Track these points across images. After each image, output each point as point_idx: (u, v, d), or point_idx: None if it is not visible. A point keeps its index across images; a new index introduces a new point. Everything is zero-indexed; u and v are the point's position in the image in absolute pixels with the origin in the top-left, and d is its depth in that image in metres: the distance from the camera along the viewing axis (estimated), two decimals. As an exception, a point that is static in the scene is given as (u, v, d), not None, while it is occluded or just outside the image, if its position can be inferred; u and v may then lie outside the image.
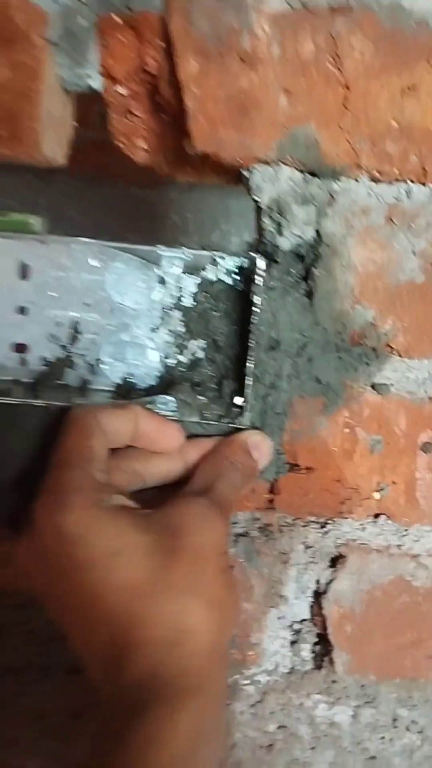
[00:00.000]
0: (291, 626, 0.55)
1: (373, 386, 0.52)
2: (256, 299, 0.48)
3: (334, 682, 0.54)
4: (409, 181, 0.48)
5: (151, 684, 0.37)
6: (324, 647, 0.54)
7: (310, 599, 0.54)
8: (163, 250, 0.50)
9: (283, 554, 0.53)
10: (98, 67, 0.50)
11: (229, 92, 0.46)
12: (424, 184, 0.48)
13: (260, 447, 0.50)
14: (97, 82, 0.50)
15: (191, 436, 0.51)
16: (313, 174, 0.48)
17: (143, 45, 0.48)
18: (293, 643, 0.55)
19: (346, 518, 0.53)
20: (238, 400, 0.50)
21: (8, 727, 0.55)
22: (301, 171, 0.48)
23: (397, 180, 0.48)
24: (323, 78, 0.45)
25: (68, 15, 0.48)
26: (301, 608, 0.54)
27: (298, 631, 0.54)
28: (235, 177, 0.52)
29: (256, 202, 0.49)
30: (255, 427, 0.51)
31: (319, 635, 0.54)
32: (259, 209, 0.50)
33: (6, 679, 0.54)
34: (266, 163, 0.48)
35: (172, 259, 0.51)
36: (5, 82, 0.48)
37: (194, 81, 0.46)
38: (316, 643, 0.54)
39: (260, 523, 0.54)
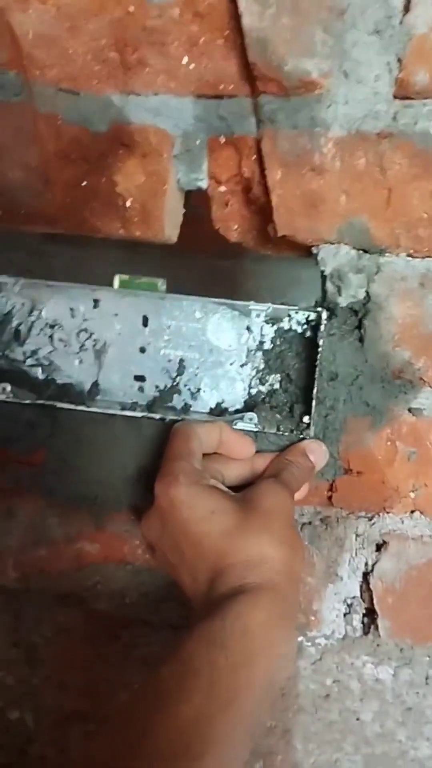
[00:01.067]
0: (345, 601, 0.68)
1: (409, 410, 0.66)
2: (321, 342, 0.64)
3: (378, 646, 0.67)
4: (436, 257, 0.63)
5: (240, 588, 0.53)
6: (370, 618, 0.67)
7: (360, 579, 0.68)
8: (253, 306, 0.67)
9: (339, 540, 0.67)
10: (207, 173, 0.67)
11: (303, 192, 0.62)
12: (448, 259, 0.63)
13: (316, 452, 0.65)
14: (204, 183, 0.67)
15: (260, 451, 0.67)
16: (364, 251, 0.63)
17: (241, 158, 0.65)
18: (346, 614, 0.68)
19: (388, 513, 0.67)
20: (306, 419, 0.65)
21: (124, 673, 0.71)
22: (356, 249, 0.63)
23: (427, 256, 0.62)
24: (372, 183, 0.60)
25: (187, 137, 0.65)
26: (353, 586, 0.68)
27: (350, 605, 0.68)
28: (306, 251, 0.69)
29: (321, 271, 0.65)
30: (317, 439, 0.67)
31: (366, 609, 0.68)
32: (324, 276, 0.65)
33: (123, 632, 0.70)
34: (330, 243, 0.63)
35: (259, 312, 0.68)
36: (141, 184, 0.66)
37: (278, 184, 0.62)
38: (364, 615, 0.68)
39: (321, 515, 0.69)
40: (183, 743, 0.44)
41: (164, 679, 0.47)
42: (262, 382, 0.70)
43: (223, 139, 0.65)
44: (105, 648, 0.71)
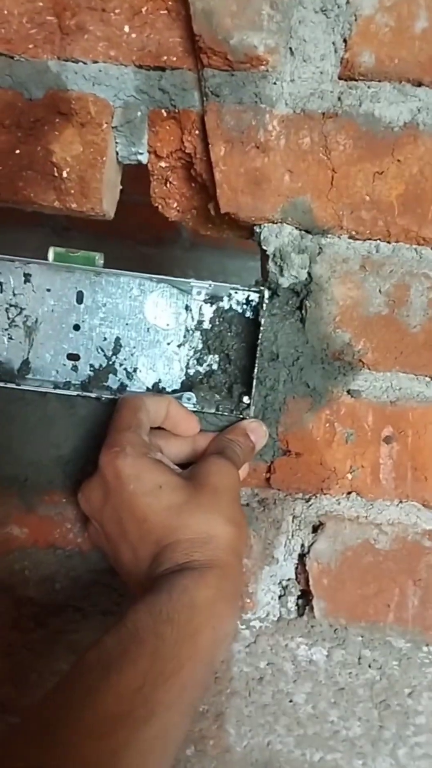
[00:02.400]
0: (280, 583, 0.68)
1: (348, 391, 0.66)
2: (263, 321, 0.63)
3: (312, 627, 0.67)
4: (377, 240, 0.63)
5: (186, 565, 0.52)
6: (305, 599, 0.68)
7: (296, 561, 0.68)
8: (194, 283, 0.66)
9: (276, 522, 0.67)
10: (147, 147, 0.65)
11: (247, 170, 0.61)
12: (388, 242, 0.64)
13: (256, 431, 0.65)
14: (144, 158, 0.66)
15: (201, 431, 0.66)
16: (307, 231, 0.63)
17: (183, 132, 0.63)
18: (281, 596, 0.68)
19: (326, 494, 0.67)
20: (245, 399, 0.65)
21: (51, 661, 0.68)
22: (298, 229, 0.63)
23: (368, 238, 0.63)
24: (316, 163, 0.61)
25: (128, 108, 0.63)
26: (289, 569, 0.68)
27: (285, 587, 0.68)
28: (247, 231, 0.68)
29: (263, 250, 0.65)
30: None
31: (301, 590, 0.68)
32: (266, 256, 0.65)
33: (52, 619, 0.67)
34: (273, 222, 0.63)
35: (200, 289, 0.66)
36: (79, 154, 0.64)
37: (222, 160, 0.61)
38: (299, 597, 0.68)
39: (259, 497, 0.68)
40: (127, 708, 0.43)
41: (108, 648, 0.47)
42: (200, 362, 0.69)
43: (165, 113, 0.63)
44: (32, 635, 0.68)
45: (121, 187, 0.71)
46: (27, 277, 0.68)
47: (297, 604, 0.68)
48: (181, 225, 0.73)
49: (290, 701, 0.69)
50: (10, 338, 0.68)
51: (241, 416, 0.65)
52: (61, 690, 0.45)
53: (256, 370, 0.64)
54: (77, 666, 0.46)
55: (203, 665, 0.49)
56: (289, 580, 0.68)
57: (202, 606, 0.50)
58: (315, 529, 0.67)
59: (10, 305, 0.68)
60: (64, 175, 0.64)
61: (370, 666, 0.68)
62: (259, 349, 0.64)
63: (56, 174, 0.64)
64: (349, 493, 0.67)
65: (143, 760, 0.43)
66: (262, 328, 0.63)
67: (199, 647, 0.48)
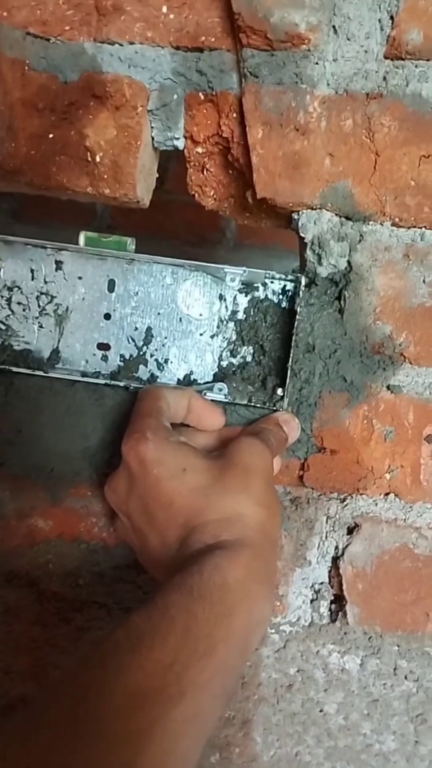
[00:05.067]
0: (312, 586, 0.65)
1: (388, 387, 0.63)
2: (299, 311, 0.61)
3: (345, 634, 0.64)
4: (422, 227, 0.61)
5: (216, 545, 0.50)
6: (338, 605, 0.64)
7: (329, 564, 0.65)
8: (228, 269, 0.63)
9: (308, 522, 0.64)
10: (183, 131, 0.63)
11: (285, 153, 0.59)
12: (433, 230, 0.61)
13: (289, 423, 0.62)
14: (181, 143, 0.64)
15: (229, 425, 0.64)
16: (347, 218, 0.61)
17: (220, 116, 0.62)
18: (313, 600, 0.65)
19: (362, 494, 0.64)
20: (279, 391, 0.62)
21: (74, 657, 0.66)
22: (338, 215, 0.61)
23: (413, 226, 0.60)
24: (359, 146, 0.59)
25: (164, 91, 0.62)
26: (322, 572, 0.65)
27: (318, 591, 0.65)
28: (285, 221, 0.66)
29: (301, 238, 0.62)
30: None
31: (334, 595, 0.65)
32: (303, 244, 0.63)
33: (75, 614, 0.65)
34: (311, 208, 0.61)
35: (234, 276, 0.64)
36: (113, 138, 0.62)
37: (260, 143, 0.59)
38: (332, 602, 0.65)
39: (291, 495, 0.65)
40: (158, 685, 0.41)
41: (137, 625, 0.44)
42: (233, 353, 0.66)
43: (202, 96, 0.62)
44: (55, 631, 0.66)
45: (157, 174, 0.69)
46: (59, 265, 0.67)
47: (329, 609, 0.65)
48: (225, 225, 0.71)
49: (320, 711, 0.65)
50: (41, 326, 0.67)
51: (274, 408, 0.62)
52: (89, 666, 0.43)
53: (290, 362, 0.61)
54: (104, 643, 0.44)
55: (237, 649, 0.46)
56: (321, 583, 0.65)
57: (234, 586, 0.47)
58: (350, 531, 0.64)
59: (41, 293, 0.67)
60: (98, 159, 0.63)
61: (406, 677, 0.64)
62: (294, 340, 0.61)
63: (89, 159, 0.63)
64: (386, 494, 0.64)
65: (174, 741, 0.41)
66: (298, 318, 0.61)
67: (233, 629, 0.46)
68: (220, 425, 0.62)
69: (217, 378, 0.66)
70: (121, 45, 0.60)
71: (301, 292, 0.61)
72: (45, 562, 0.64)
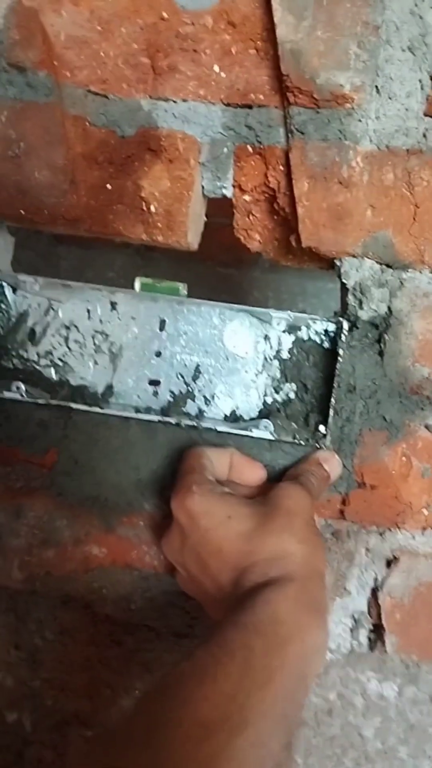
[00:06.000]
0: (352, 615, 0.68)
1: (426, 426, 0.66)
2: (341, 352, 0.64)
3: (383, 662, 0.67)
4: (460, 274, 0.64)
5: (264, 582, 0.53)
6: (377, 634, 0.67)
7: (368, 595, 0.68)
8: (274, 313, 0.67)
9: (349, 554, 0.67)
10: (232, 181, 0.67)
11: (330, 205, 0.62)
12: (471, 277, 0.64)
13: (330, 461, 0.65)
14: (229, 192, 0.68)
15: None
16: (388, 265, 0.63)
17: (267, 168, 0.65)
18: (352, 629, 0.68)
19: (400, 528, 0.67)
20: (321, 428, 0.65)
21: (125, 678, 0.70)
22: (379, 263, 0.63)
23: (450, 273, 0.64)
24: (399, 198, 0.61)
25: (215, 144, 0.65)
26: (361, 602, 0.68)
27: (357, 620, 0.68)
28: (327, 263, 0.69)
29: (343, 284, 0.65)
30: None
31: (373, 625, 0.68)
32: (345, 289, 0.66)
33: (127, 637, 0.69)
34: (353, 256, 0.63)
35: (279, 319, 0.68)
36: (166, 189, 0.66)
37: (305, 196, 0.62)
38: (371, 631, 0.68)
39: (332, 528, 0.68)
40: (222, 715, 0.45)
41: (201, 658, 0.48)
42: (277, 390, 0.70)
43: (250, 149, 0.65)
44: (108, 652, 0.70)
45: (205, 219, 0.73)
46: (113, 305, 0.71)
47: (369, 638, 0.68)
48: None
49: (359, 735, 0.68)
50: (96, 363, 0.71)
51: (317, 446, 0.66)
52: (158, 698, 0.47)
53: (332, 401, 0.64)
54: (172, 676, 0.48)
55: (294, 677, 0.50)
56: (361, 613, 0.68)
57: (285, 618, 0.51)
58: (389, 564, 0.66)
59: (97, 332, 0.71)
60: (152, 209, 0.66)
61: (442, 705, 0.66)
62: (336, 380, 0.64)
63: (144, 208, 0.67)
64: (424, 528, 0.67)
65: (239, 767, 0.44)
66: (340, 360, 0.64)
67: (288, 659, 0.49)
68: (261, 480, 0.66)
69: (261, 414, 0.69)
70: (175, 102, 0.64)
71: (343, 335, 0.64)
72: (99, 587, 0.68)
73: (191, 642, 0.68)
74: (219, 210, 0.72)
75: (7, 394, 0.68)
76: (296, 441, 0.66)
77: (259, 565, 0.55)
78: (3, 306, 0.72)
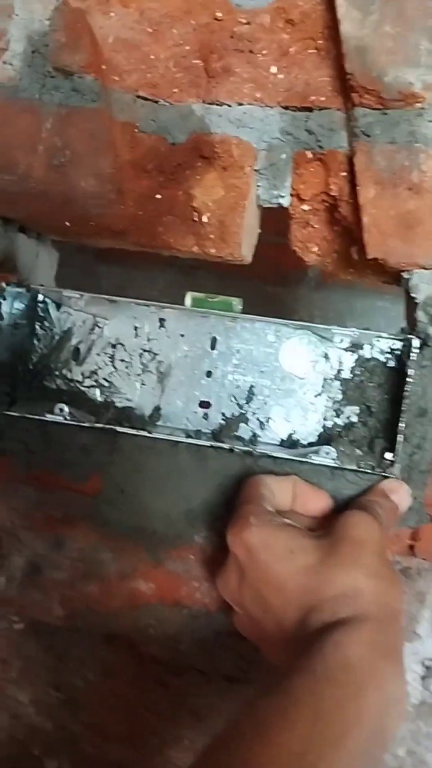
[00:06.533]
0: (423, 662, 0.62)
1: None
2: (411, 372, 0.59)
3: (459, 715, 0.61)
4: None
5: (334, 622, 0.47)
6: (451, 683, 0.61)
7: (441, 639, 0.62)
8: (336, 330, 0.62)
9: (419, 595, 0.61)
10: (290, 190, 0.63)
11: (398, 213, 0.57)
12: None
13: (397, 491, 0.59)
14: (287, 201, 0.64)
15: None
16: (462, 279, 0.59)
17: (329, 174, 0.61)
18: (423, 677, 0.62)
19: None
20: (388, 455, 0.59)
21: (172, 724, 0.65)
22: (453, 275, 0.59)
23: None
24: None
25: (272, 150, 0.61)
26: (432, 647, 0.62)
27: (428, 668, 0.62)
28: (391, 277, 0.64)
29: (412, 298, 0.60)
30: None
31: (446, 672, 0.62)
32: (414, 304, 0.60)
33: (174, 680, 0.64)
34: (424, 268, 0.59)
35: (342, 337, 0.63)
36: (220, 199, 0.62)
37: (371, 203, 0.58)
38: (443, 679, 0.62)
39: (401, 565, 0.63)
40: None
41: (262, 709, 0.43)
42: (338, 414, 0.65)
43: (310, 154, 0.61)
44: (153, 695, 0.65)
45: (260, 230, 0.69)
46: (162, 322, 0.67)
47: (441, 687, 0.62)
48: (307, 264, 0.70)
49: (431, 796, 0.62)
50: (143, 384, 0.67)
51: (384, 474, 0.60)
52: (215, 757, 0.42)
53: (401, 426, 0.59)
54: (230, 730, 0.43)
55: (372, 731, 0.44)
56: (432, 659, 0.62)
57: (359, 663, 0.45)
58: (463, 605, 0.61)
59: (144, 350, 0.67)
60: (204, 219, 0.63)
61: None
62: (405, 403, 0.59)
63: (196, 219, 0.63)
64: None
65: None
66: (410, 381, 0.58)
67: (364, 710, 0.43)
68: (327, 508, 0.60)
69: (321, 439, 0.64)
70: (229, 106, 0.61)
71: (413, 354, 0.59)
72: (146, 625, 0.63)
73: (245, 688, 0.63)
74: (264, 226, 0.68)
75: (49, 417, 0.63)
76: (361, 468, 0.60)
77: (327, 603, 0.49)
78: (46, 323, 0.69)
